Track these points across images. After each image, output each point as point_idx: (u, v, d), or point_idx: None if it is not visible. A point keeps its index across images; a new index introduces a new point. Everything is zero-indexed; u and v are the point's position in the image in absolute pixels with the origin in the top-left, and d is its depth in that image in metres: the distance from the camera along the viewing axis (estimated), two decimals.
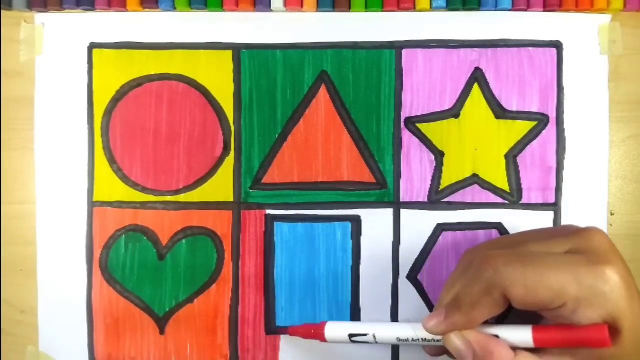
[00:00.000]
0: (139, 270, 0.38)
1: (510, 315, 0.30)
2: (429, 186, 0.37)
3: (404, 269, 0.38)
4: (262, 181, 0.38)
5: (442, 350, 0.32)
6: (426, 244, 0.37)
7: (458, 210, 0.37)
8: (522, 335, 0.28)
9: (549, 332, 0.28)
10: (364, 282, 0.38)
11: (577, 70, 0.37)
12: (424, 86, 0.37)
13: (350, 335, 0.33)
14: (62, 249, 0.38)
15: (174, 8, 0.38)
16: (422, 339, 0.31)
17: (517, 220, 0.37)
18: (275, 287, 0.38)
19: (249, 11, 0.38)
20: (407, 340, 0.32)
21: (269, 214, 0.38)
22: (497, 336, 0.28)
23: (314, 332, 0.34)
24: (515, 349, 0.28)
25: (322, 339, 0.34)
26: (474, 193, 0.37)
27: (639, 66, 0.37)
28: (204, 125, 0.38)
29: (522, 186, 0.37)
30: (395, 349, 0.37)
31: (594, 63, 0.37)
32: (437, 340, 0.31)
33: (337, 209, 0.38)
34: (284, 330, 0.37)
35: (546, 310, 0.27)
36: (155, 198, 0.38)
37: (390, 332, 0.33)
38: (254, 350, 0.38)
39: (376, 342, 0.33)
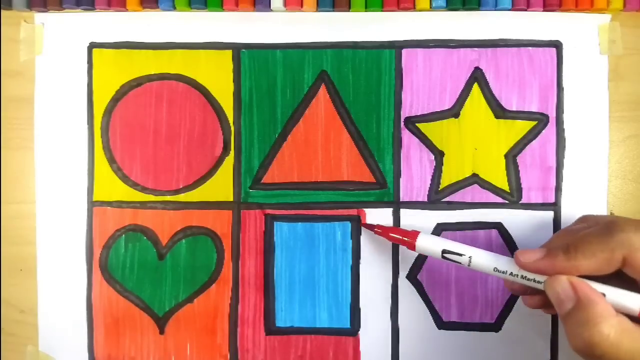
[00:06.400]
0: (139, 270, 0.38)
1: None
2: (429, 186, 0.37)
3: (404, 269, 0.38)
4: (262, 181, 0.38)
5: (525, 290, 0.31)
6: None
7: (458, 210, 0.37)
8: (631, 302, 0.28)
9: None
10: (364, 282, 0.38)
11: (577, 70, 0.37)
12: (424, 86, 0.37)
13: (444, 252, 0.32)
14: (62, 249, 0.38)
15: (174, 8, 0.38)
16: (522, 275, 0.30)
17: (517, 220, 0.37)
18: (275, 287, 0.38)
19: (249, 11, 0.38)
20: (504, 272, 0.31)
21: (269, 214, 0.38)
22: (603, 295, 0.28)
23: (409, 240, 0.33)
24: None
25: (412, 248, 0.33)
26: (474, 193, 0.37)
27: (639, 66, 0.37)
28: (204, 125, 0.38)
29: (522, 186, 0.37)
30: (395, 345, 0.37)
31: (594, 63, 0.37)
32: (537, 281, 0.30)
33: (337, 209, 0.38)
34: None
35: None
36: (155, 198, 0.38)
37: (489, 260, 0.31)
38: (253, 351, 0.38)
39: (469, 267, 0.32)
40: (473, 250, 0.32)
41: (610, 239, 0.28)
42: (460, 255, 0.32)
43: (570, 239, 0.29)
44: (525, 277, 0.30)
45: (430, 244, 0.33)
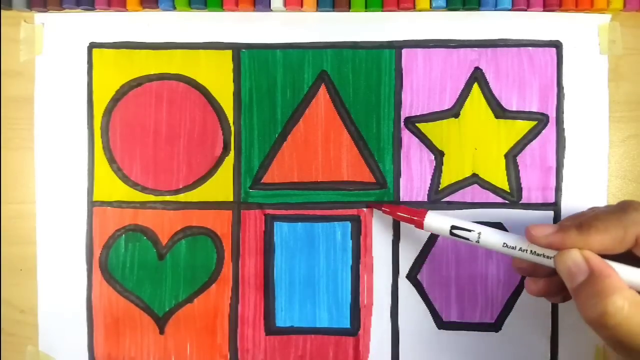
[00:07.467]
0: (139, 270, 0.38)
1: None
2: (429, 186, 0.37)
3: (404, 269, 0.38)
4: (262, 181, 0.38)
5: (532, 271, 0.31)
6: (426, 244, 0.37)
7: (458, 210, 0.37)
8: None
9: None
10: (364, 282, 0.38)
11: (577, 70, 0.37)
12: (424, 86, 0.37)
13: (453, 228, 0.32)
14: (62, 249, 0.38)
15: (174, 8, 0.38)
16: (531, 251, 0.30)
17: (517, 220, 0.37)
18: (275, 287, 0.38)
19: (249, 11, 0.38)
20: (514, 248, 0.30)
21: (268, 214, 0.38)
22: None
23: (417, 218, 0.33)
24: None
25: (420, 226, 0.33)
26: (474, 193, 0.37)
27: (639, 66, 0.37)
28: (204, 125, 0.38)
29: (522, 186, 0.37)
30: (395, 345, 0.37)
31: (594, 63, 0.37)
32: (547, 257, 0.29)
33: (337, 209, 0.38)
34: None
35: None
36: (155, 198, 0.38)
37: (498, 236, 0.31)
38: (253, 351, 0.38)
39: (477, 243, 0.31)
40: (482, 227, 0.32)
41: (624, 217, 0.28)
42: (469, 231, 0.31)
43: (584, 218, 0.29)
44: (535, 252, 0.30)
45: (438, 222, 0.32)
